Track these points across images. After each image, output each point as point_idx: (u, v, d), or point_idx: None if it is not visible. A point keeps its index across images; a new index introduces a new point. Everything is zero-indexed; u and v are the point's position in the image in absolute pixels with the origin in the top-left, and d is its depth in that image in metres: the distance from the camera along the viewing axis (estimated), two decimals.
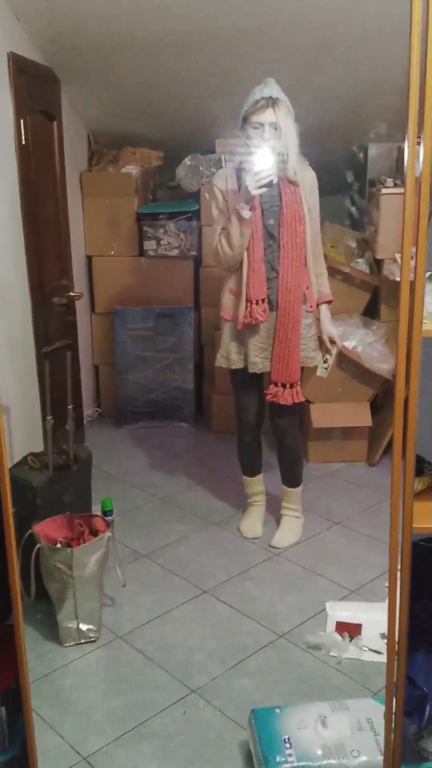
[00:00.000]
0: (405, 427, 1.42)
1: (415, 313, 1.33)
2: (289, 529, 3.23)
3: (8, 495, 1.55)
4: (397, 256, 3.88)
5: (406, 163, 1.25)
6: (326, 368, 3.07)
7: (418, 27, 1.19)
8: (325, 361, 3.04)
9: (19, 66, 3.08)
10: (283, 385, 2.93)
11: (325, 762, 1.88)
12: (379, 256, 3.93)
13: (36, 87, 3.35)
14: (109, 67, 3.70)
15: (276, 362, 2.91)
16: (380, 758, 1.83)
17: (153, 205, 4.51)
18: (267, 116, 2.69)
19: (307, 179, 2.87)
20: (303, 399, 2.99)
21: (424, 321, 1.34)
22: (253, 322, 2.87)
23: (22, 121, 3.11)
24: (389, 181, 3.90)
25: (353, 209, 4.23)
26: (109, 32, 3.30)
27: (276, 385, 2.94)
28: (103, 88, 3.93)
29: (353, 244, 4.17)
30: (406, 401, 1.42)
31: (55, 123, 3.64)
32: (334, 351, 3.10)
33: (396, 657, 1.60)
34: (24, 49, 3.19)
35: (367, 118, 4.05)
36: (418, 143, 1.24)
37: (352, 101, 3.79)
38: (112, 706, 2.28)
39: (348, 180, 4.29)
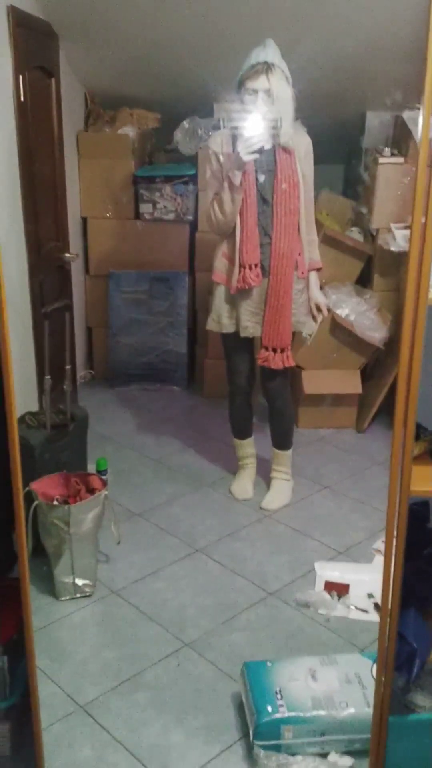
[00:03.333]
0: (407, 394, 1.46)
1: (421, 281, 1.36)
2: (279, 492, 3.29)
3: (17, 457, 1.60)
4: (392, 225, 3.89)
5: (419, 132, 1.27)
6: (310, 335, 3.09)
7: None
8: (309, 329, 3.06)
9: (19, 19, 3.04)
10: (274, 350, 2.96)
11: (315, 712, 1.96)
12: (374, 226, 3.93)
13: (34, 42, 3.30)
14: (108, 24, 3.64)
15: (267, 327, 2.94)
16: (367, 710, 1.92)
17: (150, 168, 4.48)
18: (260, 83, 2.66)
19: (302, 144, 2.86)
20: (293, 363, 3.03)
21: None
22: (246, 287, 2.89)
23: (20, 77, 3.07)
24: (386, 151, 3.89)
25: (364, 174, 4.20)
26: None
27: (267, 349, 2.97)
28: (101, 45, 3.87)
29: (349, 213, 4.17)
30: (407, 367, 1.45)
31: (53, 80, 3.59)
32: (319, 319, 3.10)
33: (389, 615, 1.66)
34: (22, 2, 3.13)
35: (367, 85, 4.02)
36: None
37: (350, 67, 3.76)
38: (108, 658, 2.34)
39: (359, 146, 4.26)
